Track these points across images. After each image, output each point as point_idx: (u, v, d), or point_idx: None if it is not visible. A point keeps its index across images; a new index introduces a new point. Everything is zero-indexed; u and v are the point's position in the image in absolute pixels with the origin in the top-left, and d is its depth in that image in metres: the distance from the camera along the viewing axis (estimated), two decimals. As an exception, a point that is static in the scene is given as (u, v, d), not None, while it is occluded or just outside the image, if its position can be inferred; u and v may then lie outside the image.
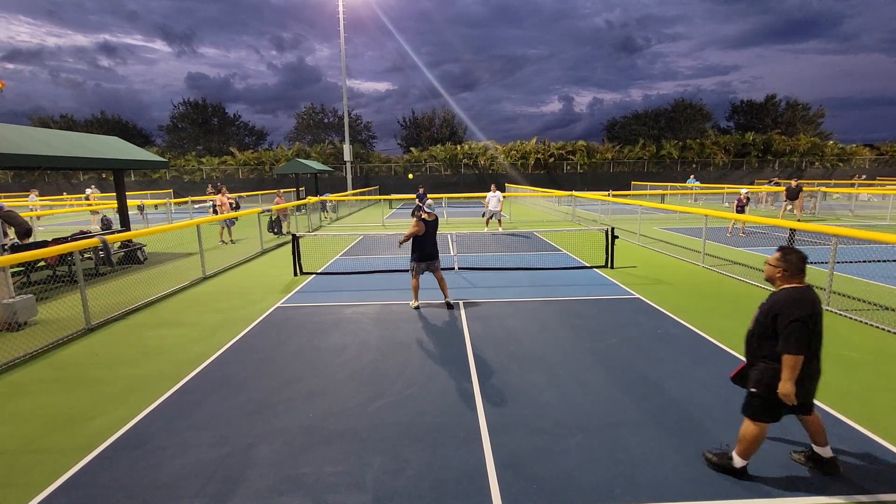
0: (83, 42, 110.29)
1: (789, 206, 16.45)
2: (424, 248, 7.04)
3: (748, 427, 3.13)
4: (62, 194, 25.22)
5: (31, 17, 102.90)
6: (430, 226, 7.05)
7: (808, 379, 3.03)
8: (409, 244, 7.18)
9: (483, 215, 16.25)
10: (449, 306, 7.25)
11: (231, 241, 14.72)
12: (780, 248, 3.15)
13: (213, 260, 11.24)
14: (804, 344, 2.88)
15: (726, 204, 26.56)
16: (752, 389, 3.11)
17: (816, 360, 3.06)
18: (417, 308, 7.25)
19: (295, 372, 5.05)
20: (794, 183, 16.52)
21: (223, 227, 14.80)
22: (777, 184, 24.42)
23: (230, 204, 15.93)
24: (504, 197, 17.37)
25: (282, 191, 19.51)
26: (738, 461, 3.19)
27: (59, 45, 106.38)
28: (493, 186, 16.56)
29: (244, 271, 10.47)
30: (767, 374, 3.02)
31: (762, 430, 3.11)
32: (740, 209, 13.64)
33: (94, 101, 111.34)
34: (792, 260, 3.06)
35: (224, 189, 16.13)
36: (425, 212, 7.04)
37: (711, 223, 15.71)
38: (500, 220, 16.57)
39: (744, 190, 14.63)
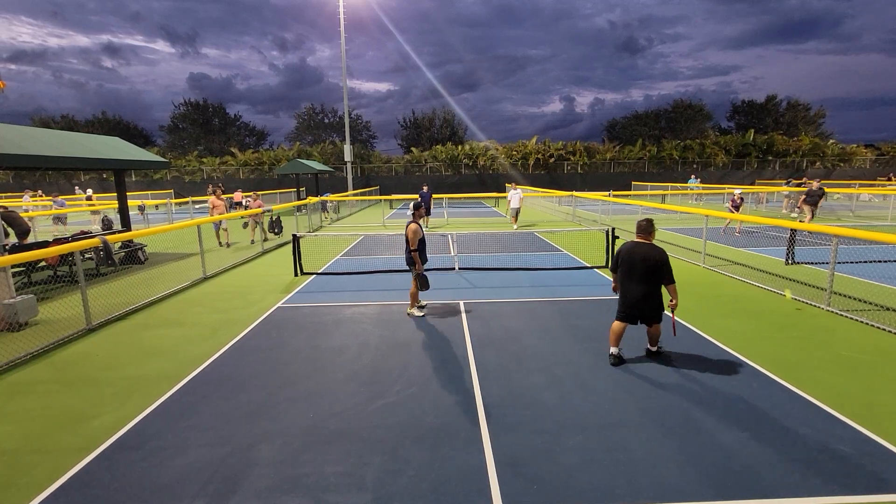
0: (85, 43, 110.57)
1: (800, 211, 14.51)
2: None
3: (613, 324, 5.13)
4: (36, 192, 24.21)
5: (33, 17, 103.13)
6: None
7: (624, 297, 5.00)
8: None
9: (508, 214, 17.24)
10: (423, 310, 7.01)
11: (227, 243, 14.06)
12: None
13: (213, 260, 11.25)
14: (613, 266, 5.15)
15: (726, 204, 26.55)
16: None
17: (625, 289, 4.96)
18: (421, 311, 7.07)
19: (295, 372, 5.05)
20: (815, 184, 14.54)
21: (219, 230, 14.13)
22: (804, 184, 23.31)
23: (244, 204, 15.46)
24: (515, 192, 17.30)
25: (260, 193, 17.54)
26: (612, 350, 5.09)
27: (62, 45, 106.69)
28: (514, 185, 17.15)
29: (244, 272, 10.48)
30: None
31: (617, 325, 5.06)
32: (734, 209, 13.91)
33: (96, 102, 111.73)
34: (636, 225, 5.06)
35: (218, 190, 14.56)
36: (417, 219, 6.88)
37: (712, 223, 15.71)
38: (516, 218, 17.18)
39: (737, 190, 14.81)
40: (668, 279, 4.75)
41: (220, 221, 13.84)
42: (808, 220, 13.67)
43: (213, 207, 14.14)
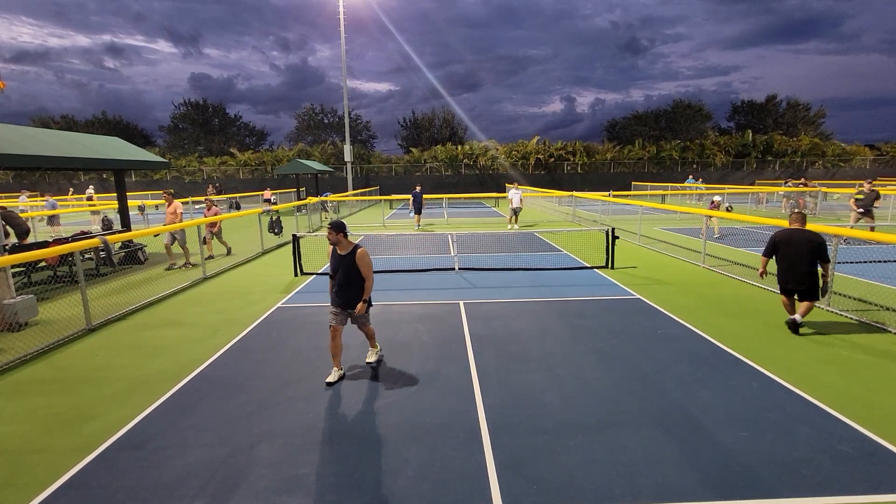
0: (86, 43, 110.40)
1: (861, 218, 12.66)
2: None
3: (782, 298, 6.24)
4: (21, 192, 23.44)
5: (33, 17, 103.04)
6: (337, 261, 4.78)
7: (784, 275, 6.00)
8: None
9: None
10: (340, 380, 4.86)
11: (185, 263, 10.82)
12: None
13: (213, 261, 11.24)
14: (767, 250, 6.14)
15: (727, 204, 26.58)
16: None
17: (783, 271, 6.00)
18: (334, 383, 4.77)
19: (295, 372, 5.05)
20: (867, 187, 12.90)
21: (172, 242, 10.86)
22: (804, 184, 23.10)
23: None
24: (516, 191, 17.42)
25: (214, 196, 13.31)
26: (797, 318, 5.89)
27: (64, 46, 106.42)
28: (515, 184, 17.40)
29: (244, 272, 10.48)
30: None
31: (784, 299, 6.16)
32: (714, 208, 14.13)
33: (97, 102, 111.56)
34: (792, 215, 6.14)
35: (170, 196, 11.35)
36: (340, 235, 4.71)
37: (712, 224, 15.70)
38: (517, 218, 17.37)
39: (717, 197, 15.08)
40: (826, 258, 5.77)
41: (174, 234, 10.72)
42: (869, 226, 12.12)
43: (173, 216, 11.15)
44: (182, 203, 12.66)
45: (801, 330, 6.07)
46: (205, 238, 11.43)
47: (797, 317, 5.90)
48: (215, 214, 11.62)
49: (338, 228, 4.66)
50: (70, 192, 27.39)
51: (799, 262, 5.80)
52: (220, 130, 55.16)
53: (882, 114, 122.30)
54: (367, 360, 5.22)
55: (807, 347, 5.47)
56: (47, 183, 40.14)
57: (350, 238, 4.85)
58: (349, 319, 4.88)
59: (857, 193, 13.23)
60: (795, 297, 6.04)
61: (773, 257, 6.11)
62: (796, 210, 5.80)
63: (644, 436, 3.71)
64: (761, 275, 6.18)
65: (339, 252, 4.73)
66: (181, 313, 7.34)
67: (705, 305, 7.18)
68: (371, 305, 4.94)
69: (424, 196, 18.73)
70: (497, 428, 3.86)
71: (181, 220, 10.93)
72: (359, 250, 4.70)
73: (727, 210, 15.17)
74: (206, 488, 3.19)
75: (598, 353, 5.39)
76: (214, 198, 27.14)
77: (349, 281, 4.72)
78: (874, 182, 13.65)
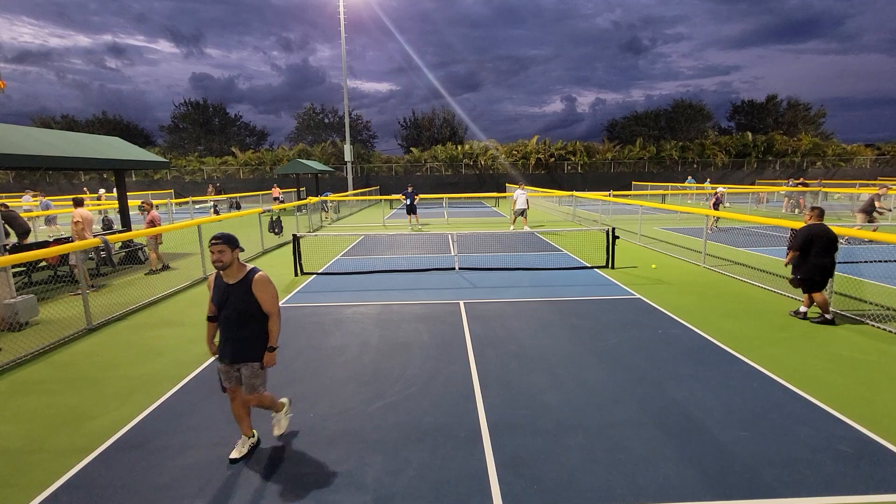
0: (88, 43, 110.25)
1: (865, 218, 12.88)
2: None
3: (823, 296, 6.22)
4: (24, 192, 22.72)
5: (34, 17, 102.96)
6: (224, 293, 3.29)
7: (824, 270, 6.12)
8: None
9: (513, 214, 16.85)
10: (251, 452, 3.59)
11: (92, 285, 8.65)
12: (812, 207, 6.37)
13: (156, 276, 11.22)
14: (805, 246, 6.16)
15: (727, 204, 26.60)
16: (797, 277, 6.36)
17: (824, 263, 6.09)
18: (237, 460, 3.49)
19: (295, 372, 5.05)
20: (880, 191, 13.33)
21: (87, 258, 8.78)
22: (804, 184, 23.03)
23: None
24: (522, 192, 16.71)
25: (155, 202, 11.90)
26: (827, 315, 6.23)
27: (65, 46, 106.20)
28: (521, 184, 16.95)
29: (245, 271, 10.45)
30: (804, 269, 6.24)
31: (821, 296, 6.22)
32: (715, 207, 14.26)
33: (99, 102, 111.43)
34: (818, 210, 6.32)
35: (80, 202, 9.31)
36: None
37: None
38: (525, 218, 16.67)
39: (720, 188, 15.18)
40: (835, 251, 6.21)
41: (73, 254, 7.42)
42: (868, 227, 12.28)
43: (81, 225, 8.86)
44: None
45: (802, 330, 6.08)
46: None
47: (806, 310, 6.48)
48: (152, 221, 10.04)
49: (232, 243, 3.20)
50: (87, 191, 27.76)
51: (830, 256, 6.16)
52: (221, 130, 55.17)
53: (882, 114, 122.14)
54: (276, 433, 3.74)
55: (807, 347, 5.47)
56: (47, 183, 40.16)
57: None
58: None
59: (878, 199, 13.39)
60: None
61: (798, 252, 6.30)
62: (815, 206, 6.22)
63: (644, 436, 3.71)
64: (787, 265, 6.47)
65: (224, 280, 3.27)
66: (181, 313, 7.34)
67: (706, 305, 7.18)
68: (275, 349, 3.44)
69: (423, 196, 18.62)
70: (497, 428, 3.86)
71: (90, 231, 9.06)
72: (258, 274, 3.28)
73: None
74: (206, 488, 3.19)
75: (599, 352, 5.39)
76: (214, 198, 27.21)
77: (242, 322, 3.27)
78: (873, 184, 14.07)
